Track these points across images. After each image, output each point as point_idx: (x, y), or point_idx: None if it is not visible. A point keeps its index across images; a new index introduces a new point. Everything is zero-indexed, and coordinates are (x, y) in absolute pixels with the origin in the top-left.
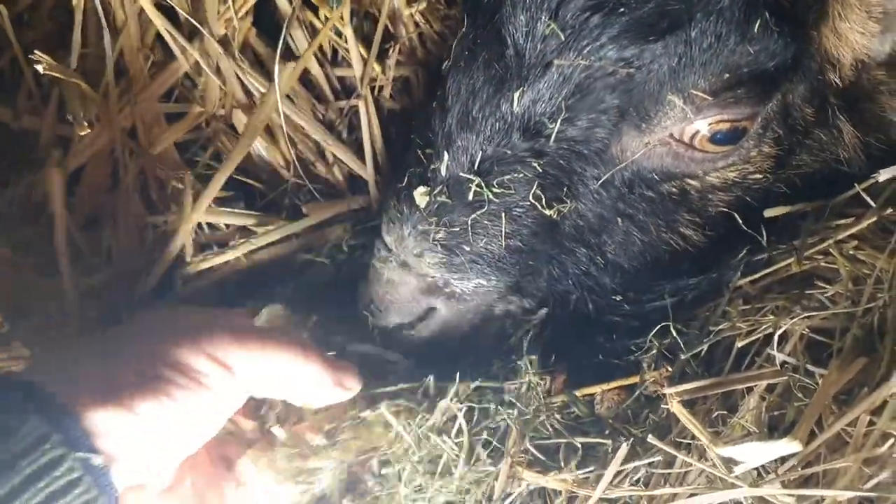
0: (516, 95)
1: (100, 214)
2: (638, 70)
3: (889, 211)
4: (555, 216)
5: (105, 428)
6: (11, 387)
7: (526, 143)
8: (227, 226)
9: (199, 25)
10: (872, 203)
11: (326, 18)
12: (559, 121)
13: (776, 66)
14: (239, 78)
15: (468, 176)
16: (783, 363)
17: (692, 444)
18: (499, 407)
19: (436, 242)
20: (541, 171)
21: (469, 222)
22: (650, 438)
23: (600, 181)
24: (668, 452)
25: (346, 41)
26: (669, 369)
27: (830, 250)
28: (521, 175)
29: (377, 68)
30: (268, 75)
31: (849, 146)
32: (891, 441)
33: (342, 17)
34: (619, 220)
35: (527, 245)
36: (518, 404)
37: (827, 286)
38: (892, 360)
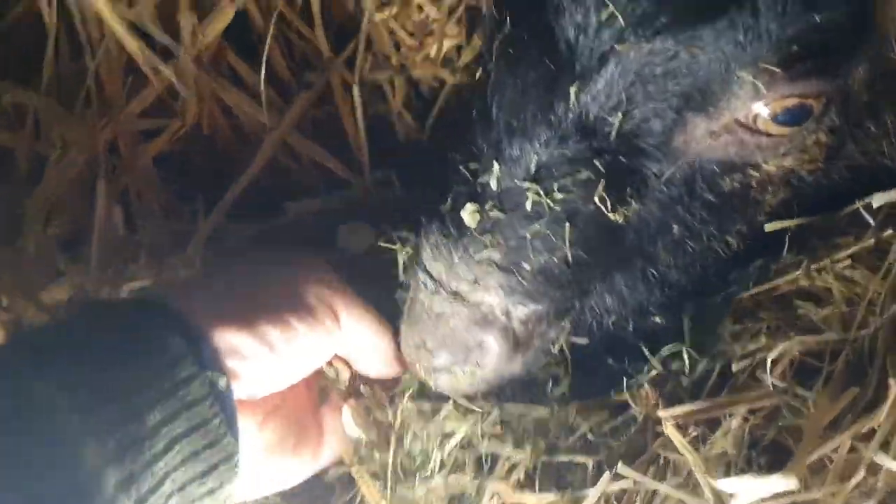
0: (572, 91)
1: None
2: (702, 50)
3: (889, 232)
4: (620, 220)
5: (232, 348)
6: (151, 306)
7: (585, 143)
8: None
9: (171, 45)
10: (872, 221)
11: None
12: (620, 114)
13: (842, 40)
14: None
15: (524, 185)
16: (773, 385)
17: (672, 462)
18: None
19: (492, 263)
20: (603, 170)
21: (528, 236)
22: (621, 468)
23: (664, 178)
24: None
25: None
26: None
27: (825, 270)
28: (584, 176)
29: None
30: (248, 93)
31: (892, 136)
32: (878, 470)
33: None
34: (676, 226)
35: (590, 257)
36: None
37: (818, 308)
38: (879, 386)
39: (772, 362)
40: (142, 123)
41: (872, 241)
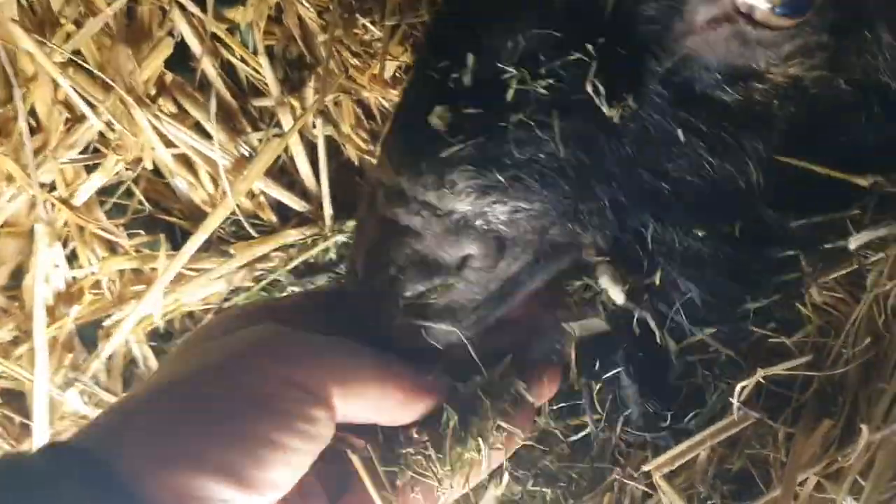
0: None
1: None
2: None
3: (874, 258)
4: (615, 118)
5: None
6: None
7: (577, 23)
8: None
9: (111, 81)
10: (854, 232)
11: (242, 58)
12: None
13: None
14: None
15: (507, 68)
16: (743, 414)
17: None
18: None
19: (464, 163)
20: (596, 55)
21: (511, 126)
22: None
23: (661, 70)
24: None
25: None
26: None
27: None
28: (575, 58)
29: (296, 103)
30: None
31: (888, 54)
32: None
33: (256, 49)
34: (682, 132)
35: (583, 154)
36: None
37: (787, 337)
38: (849, 422)
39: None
40: (80, 159)
41: (855, 266)
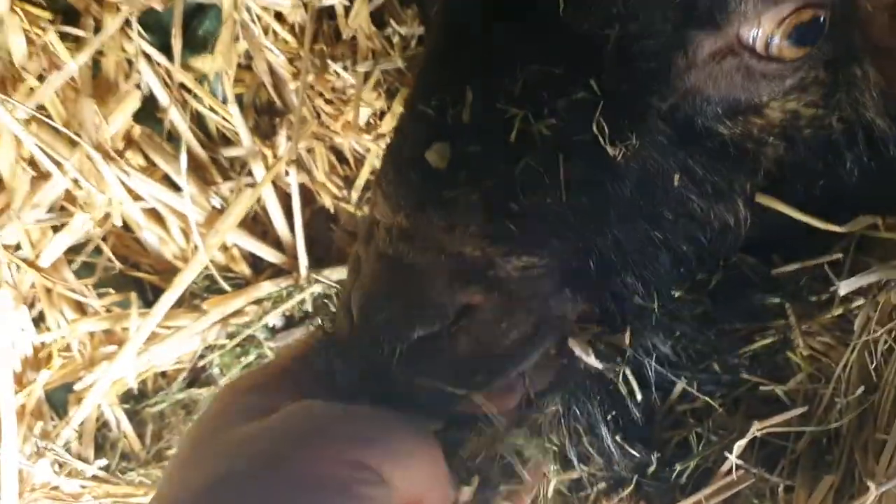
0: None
1: None
2: None
3: (856, 303)
4: (618, 157)
5: None
6: None
7: (578, 58)
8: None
9: (76, 136)
10: (837, 281)
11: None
12: (616, 28)
13: None
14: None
15: (509, 108)
16: (740, 470)
17: None
18: None
19: (473, 205)
20: (599, 92)
21: (517, 171)
22: None
23: (664, 107)
24: None
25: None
26: None
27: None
28: (579, 97)
29: (268, 152)
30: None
31: (874, 92)
32: None
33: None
34: (678, 175)
35: (588, 202)
36: None
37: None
38: (846, 473)
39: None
40: (47, 220)
41: (840, 311)
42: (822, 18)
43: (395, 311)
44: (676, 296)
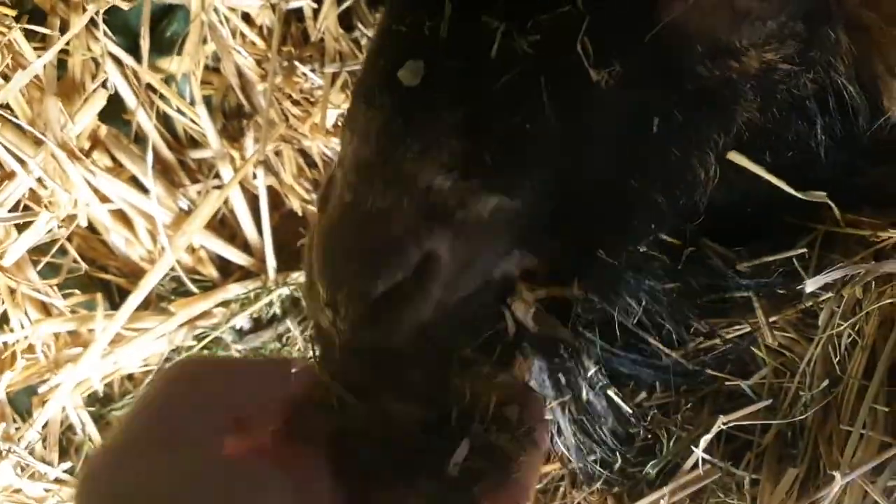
0: None
1: None
2: None
3: (824, 297)
4: (602, 83)
5: None
6: None
7: None
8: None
9: (41, 136)
10: (805, 275)
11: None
12: None
13: None
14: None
15: (491, 21)
16: (707, 464)
17: None
18: None
19: (448, 128)
20: (583, 8)
21: (497, 89)
22: None
23: (647, 40)
24: None
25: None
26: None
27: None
28: (564, 10)
29: (235, 154)
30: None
31: (846, 60)
32: None
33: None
34: (657, 118)
35: (569, 133)
36: None
37: (743, 379)
38: (811, 466)
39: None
40: (8, 218)
41: (810, 304)
42: None
43: (355, 264)
44: (642, 251)
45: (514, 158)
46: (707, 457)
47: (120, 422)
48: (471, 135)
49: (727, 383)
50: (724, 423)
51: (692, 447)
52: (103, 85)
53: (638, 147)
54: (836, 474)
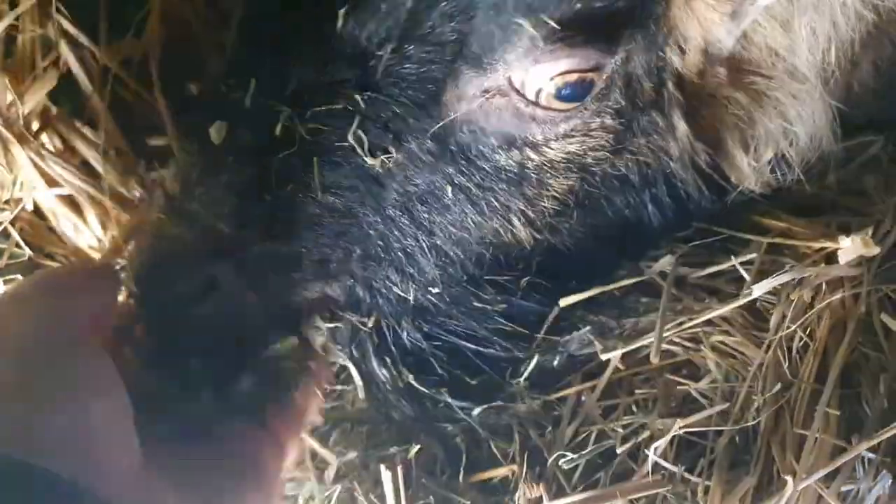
0: (341, 14)
1: None
2: None
3: (769, 294)
4: (378, 167)
5: None
6: None
7: (349, 72)
8: None
9: None
10: (747, 276)
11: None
12: (388, 50)
13: (626, 14)
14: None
15: (279, 106)
16: (660, 470)
17: None
18: None
19: (231, 186)
20: (363, 106)
21: (273, 164)
22: None
23: (430, 134)
24: None
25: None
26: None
27: (699, 339)
28: (341, 107)
29: None
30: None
31: (680, 144)
32: None
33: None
34: (451, 190)
35: (341, 202)
36: None
37: (693, 382)
38: (764, 471)
39: (652, 437)
40: None
41: (750, 298)
42: (590, 80)
43: (157, 268)
44: (435, 292)
45: (287, 218)
46: (661, 463)
47: None
48: (248, 196)
49: (678, 387)
50: (680, 428)
51: (646, 451)
52: (54, 64)
53: (428, 211)
54: (790, 479)
